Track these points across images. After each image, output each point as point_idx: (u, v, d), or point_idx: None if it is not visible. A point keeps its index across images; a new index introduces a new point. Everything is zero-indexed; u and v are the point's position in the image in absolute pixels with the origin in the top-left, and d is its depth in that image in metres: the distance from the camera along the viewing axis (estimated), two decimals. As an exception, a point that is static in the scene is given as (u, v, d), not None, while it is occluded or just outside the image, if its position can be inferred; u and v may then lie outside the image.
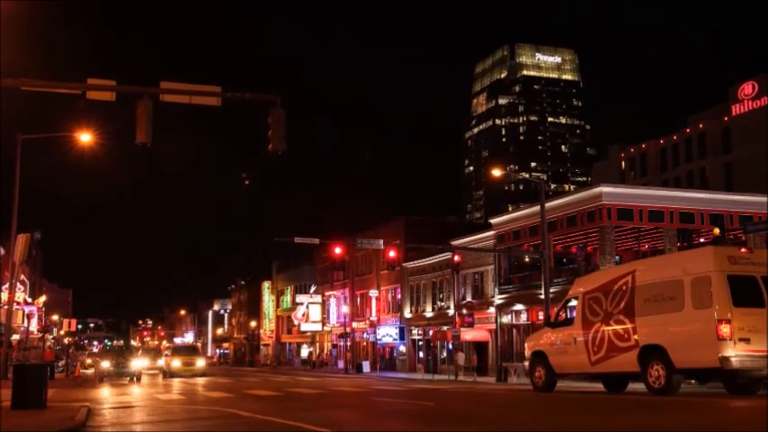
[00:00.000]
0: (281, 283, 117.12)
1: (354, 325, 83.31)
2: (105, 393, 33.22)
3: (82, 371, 58.15)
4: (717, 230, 47.98)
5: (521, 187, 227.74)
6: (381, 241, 51.21)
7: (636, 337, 23.28)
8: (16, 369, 23.87)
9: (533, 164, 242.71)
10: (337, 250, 60.28)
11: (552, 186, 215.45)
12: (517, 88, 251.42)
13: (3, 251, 58.22)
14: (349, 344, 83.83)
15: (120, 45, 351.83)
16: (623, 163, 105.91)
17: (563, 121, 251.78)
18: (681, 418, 16.52)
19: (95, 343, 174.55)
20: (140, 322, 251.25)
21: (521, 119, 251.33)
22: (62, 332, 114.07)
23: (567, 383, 33.30)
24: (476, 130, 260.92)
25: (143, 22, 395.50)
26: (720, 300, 20.85)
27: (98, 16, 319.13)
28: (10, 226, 32.23)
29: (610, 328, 24.43)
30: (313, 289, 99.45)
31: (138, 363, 48.34)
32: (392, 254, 48.01)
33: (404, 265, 71.39)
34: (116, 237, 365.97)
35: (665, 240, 49.27)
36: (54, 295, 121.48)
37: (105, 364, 45.37)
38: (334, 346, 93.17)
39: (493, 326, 59.52)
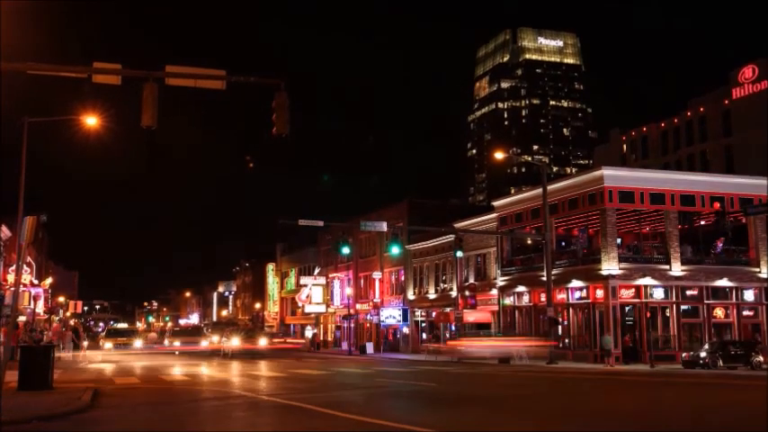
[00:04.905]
0: (286, 265, 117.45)
1: (358, 306, 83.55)
2: (111, 374, 33.52)
3: (87, 352, 58.37)
4: (717, 205, 48.31)
5: (523, 170, 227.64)
6: (385, 224, 51.35)
7: None
8: (23, 351, 24.13)
9: (535, 147, 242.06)
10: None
11: (554, 169, 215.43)
12: (519, 72, 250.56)
13: (10, 233, 58.55)
14: (353, 325, 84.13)
15: (123, 32, 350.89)
16: (624, 146, 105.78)
17: (565, 104, 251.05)
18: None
19: (101, 324, 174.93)
20: (146, 304, 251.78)
21: (523, 102, 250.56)
22: (68, 313, 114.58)
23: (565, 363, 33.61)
24: (478, 113, 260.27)
25: (146, 10, 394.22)
26: None
27: (101, 3, 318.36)
28: (17, 208, 32.53)
29: None
30: (317, 271, 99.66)
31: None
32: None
33: (407, 247, 71.59)
34: (121, 219, 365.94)
35: (666, 223, 49.45)
36: (60, 277, 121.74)
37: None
38: (338, 327, 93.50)
39: (495, 307, 59.71)
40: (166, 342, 59.96)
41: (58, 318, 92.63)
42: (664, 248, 49.35)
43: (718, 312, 49.34)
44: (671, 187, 49.45)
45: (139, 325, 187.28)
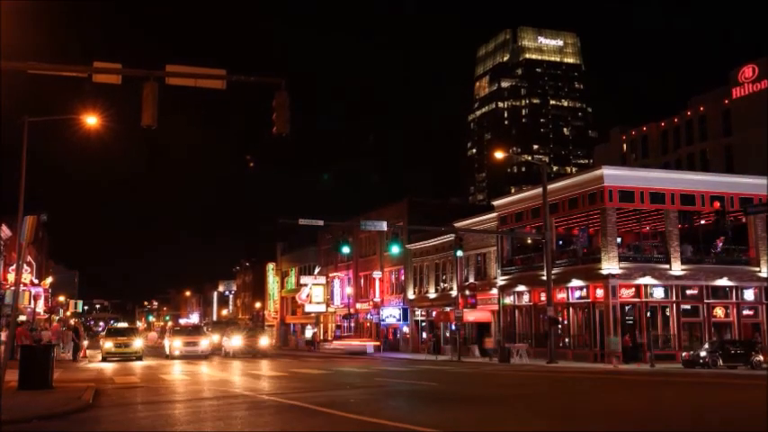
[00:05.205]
0: (286, 264, 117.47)
1: (358, 306, 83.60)
2: (111, 374, 33.54)
3: (89, 351, 58.37)
4: (717, 204, 48.34)
5: (523, 169, 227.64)
6: (385, 223, 51.35)
7: None
8: (23, 350, 24.14)
9: (535, 146, 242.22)
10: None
11: (554, 168, 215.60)
12: (519, 71, 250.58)
13: (10, 233, 58.57)
14: (353, 325, 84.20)
15: (123, 32, 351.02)
16: (624, 145, 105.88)
17: (565, 103, 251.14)
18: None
19: (101, 324, 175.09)
20: (146, 303, 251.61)
21: (523, 102, 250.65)
22: (68, 313, 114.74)
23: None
24: (478, 112, 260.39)
25: (146, 10, 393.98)
26: None
27: (101, 3, 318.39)
28: (17, 208, 32.55)
29: None
30: (317, 270, 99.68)
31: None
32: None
33: (407, 246, 71.58)
34: (122, 219, 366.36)
35: (666, 222, 49.49)
36: (60, 277, 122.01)
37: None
38: (339, 326, 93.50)
39: (495, 307, 59.74)
40: (166, 342, 59.67)
41: (57, 317, 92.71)
42: (664, 248, 49.38)
43: (718, 312, 49.39)
44: (671, 187, 49.49)
45: (140, 324, 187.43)
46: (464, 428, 14.09)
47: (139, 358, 48.06)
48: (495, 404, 18.23)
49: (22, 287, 46.26)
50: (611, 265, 46.70)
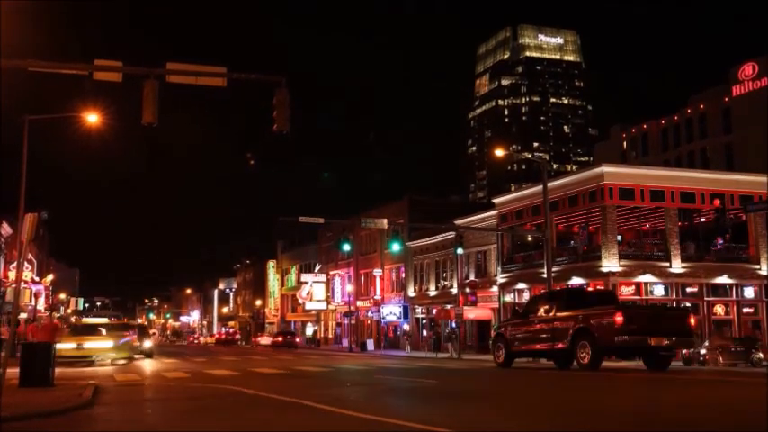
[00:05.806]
0: (286, 262, 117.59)
1: (359, 303, 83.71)
2: (112, 372, 33.56)
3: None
4: (717, 202, 48.40)
5: (523, 167, 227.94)
6: (385, 220, 51.46)
7: None
8: (24, 347, 24.16)
9: (536, 144, 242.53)
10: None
11: (554, 166, 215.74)
12: (520, 69, 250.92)
13: (11, 231, 58.62)
14: (354, 322, 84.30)
15: (123, 32, 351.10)
16: (625, 143, 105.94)
17: (565, 101, 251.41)
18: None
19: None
20: (147, 301, 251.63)
21: (523, 99, 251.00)
22: (69, 310, 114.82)
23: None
24: (479, 110, 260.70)
25: (146, 10, 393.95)
26: None
27: (101, 3, 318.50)
28: (17, 206, 32.63)
29: None
30: (317, 268, 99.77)
31: None
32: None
33: (407, 244, 71.64)
34: (123, 217, 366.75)
35: (666, 220, 49.57)
36: (61, 274, 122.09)
37: None
38: (339, 324, 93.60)
39: (496, 304, 59.86)
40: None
41: (58, 315, 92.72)
42: (664, 245, 49.47)
43: (719, 309, 49.52)
44: (671, 184, 49.59)
45: (140, 321, 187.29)
46: (463, 425, 14.13)
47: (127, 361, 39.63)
48: (495, 401, 18.26)
49: (22, 285, 46.31)
50: (611, 263, 46.76)
